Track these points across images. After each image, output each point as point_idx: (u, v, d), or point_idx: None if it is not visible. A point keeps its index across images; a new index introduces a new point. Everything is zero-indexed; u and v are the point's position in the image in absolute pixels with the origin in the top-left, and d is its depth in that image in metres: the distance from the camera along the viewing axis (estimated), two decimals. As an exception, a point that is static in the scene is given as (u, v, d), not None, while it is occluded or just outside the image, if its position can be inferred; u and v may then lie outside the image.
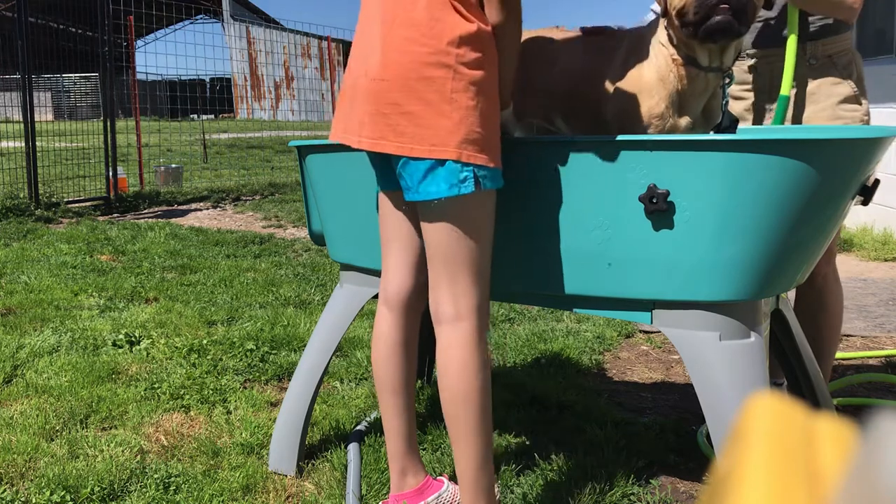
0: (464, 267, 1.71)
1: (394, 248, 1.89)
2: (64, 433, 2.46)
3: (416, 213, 1.82)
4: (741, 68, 2.39)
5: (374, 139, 1.67)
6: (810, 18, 2.26)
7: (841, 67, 2.29)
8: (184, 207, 8.38)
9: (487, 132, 1.65)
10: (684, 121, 1.85)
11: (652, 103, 1.83)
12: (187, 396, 2.75)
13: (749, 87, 2.39)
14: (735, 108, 2.41)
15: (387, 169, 1.82)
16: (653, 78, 1.84)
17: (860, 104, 2.29)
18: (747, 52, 2.37)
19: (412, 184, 1.67)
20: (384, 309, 1.91)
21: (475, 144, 1.62)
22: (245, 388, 2.89)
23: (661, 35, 1.85)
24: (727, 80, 1.84)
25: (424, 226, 1.73)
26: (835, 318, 2.47)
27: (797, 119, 2.30)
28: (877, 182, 1.73)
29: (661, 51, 1.84)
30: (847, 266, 5.10)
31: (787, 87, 2.19)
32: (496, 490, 1.97)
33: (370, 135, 1.67)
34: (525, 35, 2.17)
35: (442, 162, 1.62)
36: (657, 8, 2.08)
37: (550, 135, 2.14)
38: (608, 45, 1.99)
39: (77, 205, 7.72)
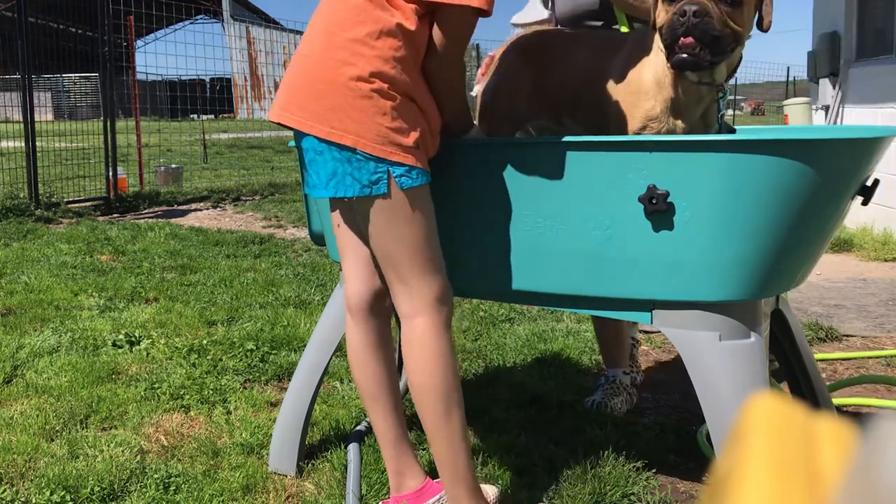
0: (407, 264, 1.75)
1: (347, 253, 1.93)
2: (64, 433, 2.46)
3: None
4: None
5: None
6: None
7: None
8: (184, 207, 8.38)
9: (404, 130, 1.66)
10: (681, 127, 1.85)
11: (648, 105, 1.84)
12: (187, 396, 2.75)
13: None
14: None
15: None
16: (650, 81, 1.84)
17: None
18: None
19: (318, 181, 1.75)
20: (348, 315, 1.96)
21: (390, 142, 1.65)
22: (245, 388, 2.89)
23: (659, 40, 1.86)
24: (721, 94, 1.85)
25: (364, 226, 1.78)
26: None
27: None
28: (876, 182, 1.73)
29: (659, 56, 1.84)
30: (847, 266, 5.10)
31: None
32: (494, 492, 1.97)
33: None
34: (529, 34, 2.17)
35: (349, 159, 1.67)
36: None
37: (555, 134, 2.14)
38: (612, 44, 1.99)
39: (77, 205, 7.72)
